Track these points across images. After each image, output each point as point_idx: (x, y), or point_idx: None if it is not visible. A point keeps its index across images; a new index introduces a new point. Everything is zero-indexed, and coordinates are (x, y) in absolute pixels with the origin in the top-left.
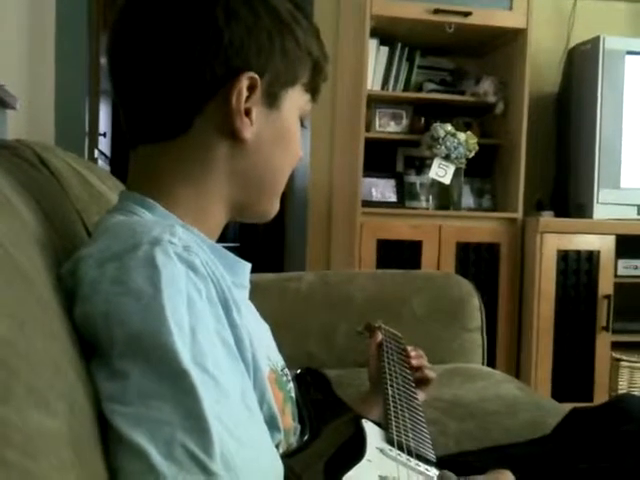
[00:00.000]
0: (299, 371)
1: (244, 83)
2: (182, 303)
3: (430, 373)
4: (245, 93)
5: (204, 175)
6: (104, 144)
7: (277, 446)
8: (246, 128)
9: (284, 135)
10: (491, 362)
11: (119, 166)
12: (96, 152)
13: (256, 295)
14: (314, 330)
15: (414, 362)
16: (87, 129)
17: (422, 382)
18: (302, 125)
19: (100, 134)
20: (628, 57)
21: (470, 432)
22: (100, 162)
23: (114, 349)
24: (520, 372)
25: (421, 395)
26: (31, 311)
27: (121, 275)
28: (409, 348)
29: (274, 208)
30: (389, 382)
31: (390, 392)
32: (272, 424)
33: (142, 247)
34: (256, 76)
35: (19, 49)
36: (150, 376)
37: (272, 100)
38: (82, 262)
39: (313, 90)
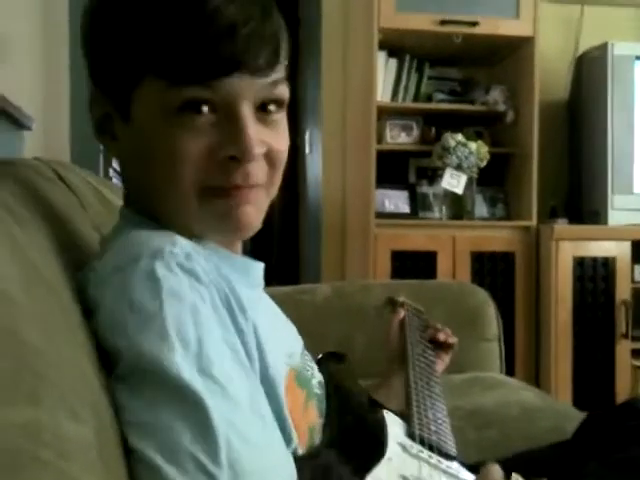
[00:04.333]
0: (320, 356)
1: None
2: (186, 313)
3: (452, 338)
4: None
5: None
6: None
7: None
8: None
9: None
10: (509, 371)
11: None
12: (110, 171)
13: None
14: (330, 342)
15: (441, 337)
16: (102, 147)
17: (443, 348)
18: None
19: None
20: (638, 62)
21: (491, 440)
22: (115, 180)
23: (121, 361)
24: (540, 381)
25: (440, 365)
26: (59, 322)
27: (123, 289)
28: (439, 326)
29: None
30: (411, 369)
31: (412, 380)
32: (284, 436)
33: (143, 260)
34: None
35: (34, 69)
36: (155, 389)
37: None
38: (89, 279)
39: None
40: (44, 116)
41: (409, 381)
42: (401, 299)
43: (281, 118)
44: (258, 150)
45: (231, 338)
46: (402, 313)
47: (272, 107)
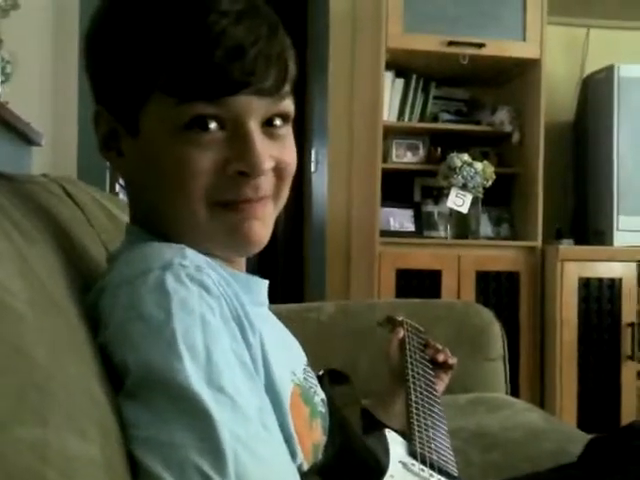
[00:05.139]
0: (321, 372)
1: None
2: (196, 325)
3: (451, 359)
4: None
5: None
6: None
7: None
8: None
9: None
10: (514, 391)
11: None
12: (117, 186)
13: None
14: (335, 360)
15: (440, 358)
16: (108, 163)
17: (443, 368)
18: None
19: None
20: None
21: (495, 462)
22: (121, 196)
23: (128, 374)
24: (544, 402)
25: (440, 385)
26: (65, 338)
27: (133, 301)
28: (438, 346)
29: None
30: (412, 388)
31: (413, 399)
32: (290, 451)
33: (153, 272)
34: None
35: (43, 87)
36: (162, 401)
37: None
38: (100, 293)
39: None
40: (53, 132)
41: (410, 400)
42: (400, 318)
43: (287, 132)
44: (267, 165)
45: (240, 350)
46: (401, 332)
47: (278, 121)
